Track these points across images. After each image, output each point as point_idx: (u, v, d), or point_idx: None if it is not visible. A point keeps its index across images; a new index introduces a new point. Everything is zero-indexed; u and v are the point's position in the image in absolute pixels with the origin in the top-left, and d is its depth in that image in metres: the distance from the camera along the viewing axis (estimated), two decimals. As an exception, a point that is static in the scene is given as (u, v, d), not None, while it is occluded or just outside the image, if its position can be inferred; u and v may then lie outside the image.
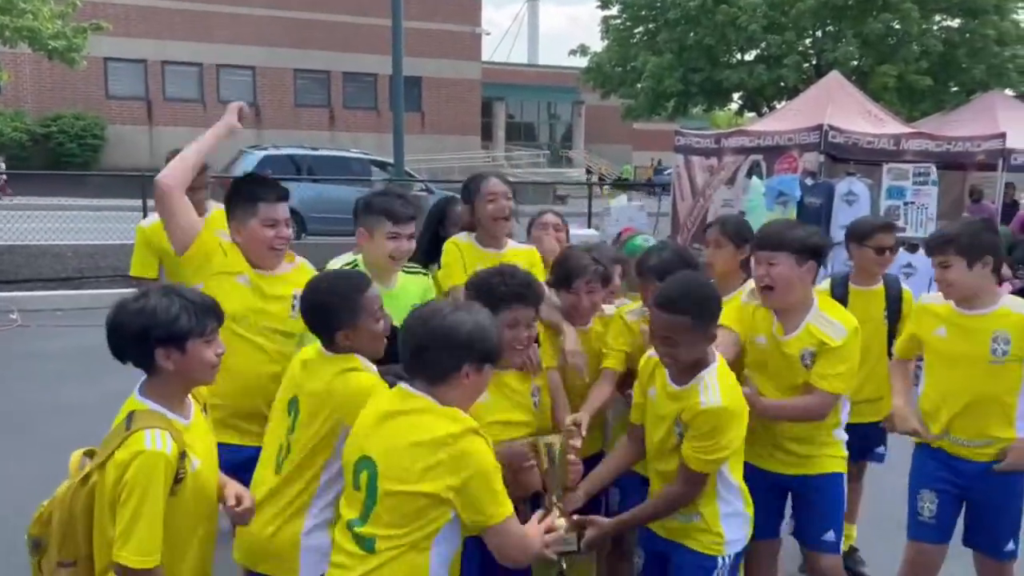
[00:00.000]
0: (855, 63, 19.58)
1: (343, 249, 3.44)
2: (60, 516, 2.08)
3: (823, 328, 2.93)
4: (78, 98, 24.67)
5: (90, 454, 2.16)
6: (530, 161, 33.54)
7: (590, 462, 2.91)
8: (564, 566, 2.58)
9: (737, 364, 3.03)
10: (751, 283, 3.20)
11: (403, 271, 3.27)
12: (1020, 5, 20.23)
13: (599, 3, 23.10)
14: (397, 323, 2.58)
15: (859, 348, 3.00)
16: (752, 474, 2.83)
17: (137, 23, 25.15)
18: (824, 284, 3.76)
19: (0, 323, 8.68)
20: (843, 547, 3.36)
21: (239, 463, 2.60)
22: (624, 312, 3.18)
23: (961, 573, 3.39)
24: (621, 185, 25.91)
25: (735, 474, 2.65)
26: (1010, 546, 3.16)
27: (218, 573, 2.41)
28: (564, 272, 3.12)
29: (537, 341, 2.87)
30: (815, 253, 2.96)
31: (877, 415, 3.68)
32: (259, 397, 2.84)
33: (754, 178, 9.97)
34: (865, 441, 3.78)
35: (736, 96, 23.09)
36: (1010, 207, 11.73)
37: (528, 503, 2.66)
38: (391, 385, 2.29)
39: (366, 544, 2.12)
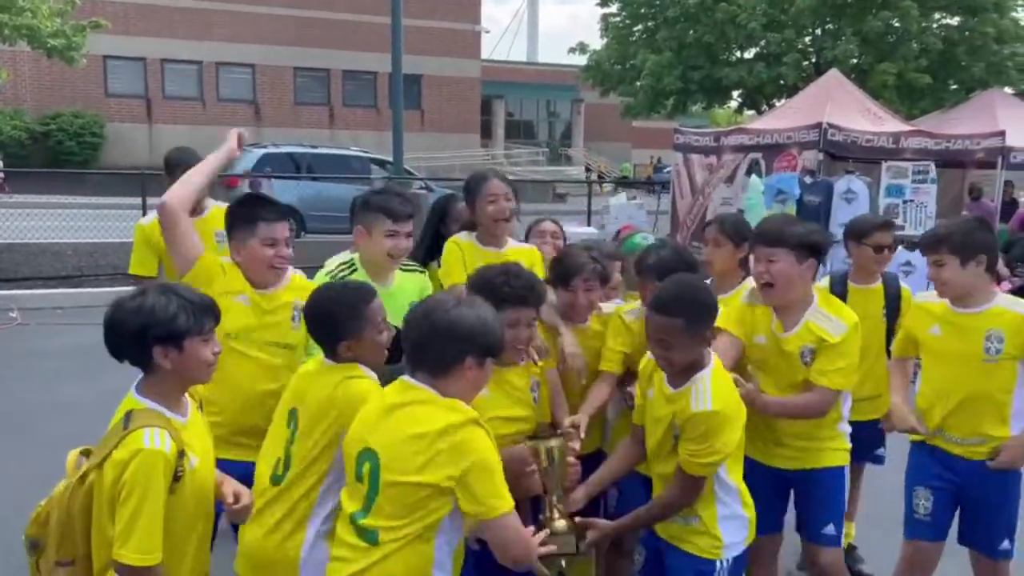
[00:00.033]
0: (854, 61, 19.51)
1: (342, 247, 3.43)
2: (58, 516, 2.08)
3: (822, 324, 2.93)
4: (77, 96, 24.64)
5: (87, 453, 2.16)
6: (529, 159, 33.51)
7: (588, 460, 2.91)
8: (563, 565, 2.60)
9: (739, 365, 3.03)
10: (750, 282, 3.20)
11: (400, 269, 3.27)
12: (1019, 3, 20.18)
13: (598, 1, 23.04)
14: (394, 321, 2.59)
15: (859, 344, 3.00)
16: (754, 469, 2.83)
17: (136, 21, 25.12)
18: (823, 282, 3.76)
19: (0, 321, 8.68)
20: (842, 544, 3.36)
21: (238, 478, 2.56)
22: (623, 312, 3.18)
23: (957, 572, 3.39)
24: (620, 183, 25.90)
25: (734, 476, 2.64)
26: (1005, 545, 3.16)
27: (217, 573, 2.41)
28: (562, 270, 3.13)
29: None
30: (815, 250, 2.95)
31: (876, 413, 3.68)
32: (259, 413, 2.83)
33: (753, 176, 9.96)
34: (864, 443, 3.76)
35: (735, 94, 23.00)
36: (1009, 205, 11.75)
37: (528, 503, 2.67)
38: None
39: (369, 536, 2.13)
